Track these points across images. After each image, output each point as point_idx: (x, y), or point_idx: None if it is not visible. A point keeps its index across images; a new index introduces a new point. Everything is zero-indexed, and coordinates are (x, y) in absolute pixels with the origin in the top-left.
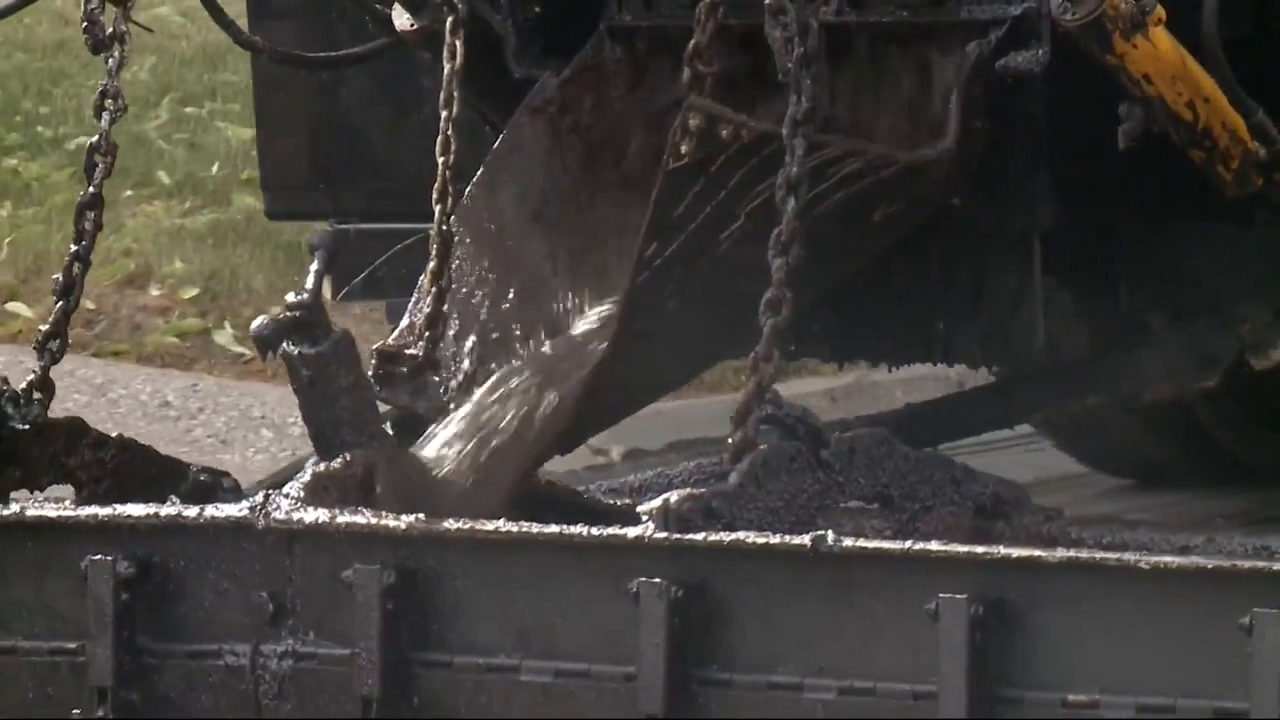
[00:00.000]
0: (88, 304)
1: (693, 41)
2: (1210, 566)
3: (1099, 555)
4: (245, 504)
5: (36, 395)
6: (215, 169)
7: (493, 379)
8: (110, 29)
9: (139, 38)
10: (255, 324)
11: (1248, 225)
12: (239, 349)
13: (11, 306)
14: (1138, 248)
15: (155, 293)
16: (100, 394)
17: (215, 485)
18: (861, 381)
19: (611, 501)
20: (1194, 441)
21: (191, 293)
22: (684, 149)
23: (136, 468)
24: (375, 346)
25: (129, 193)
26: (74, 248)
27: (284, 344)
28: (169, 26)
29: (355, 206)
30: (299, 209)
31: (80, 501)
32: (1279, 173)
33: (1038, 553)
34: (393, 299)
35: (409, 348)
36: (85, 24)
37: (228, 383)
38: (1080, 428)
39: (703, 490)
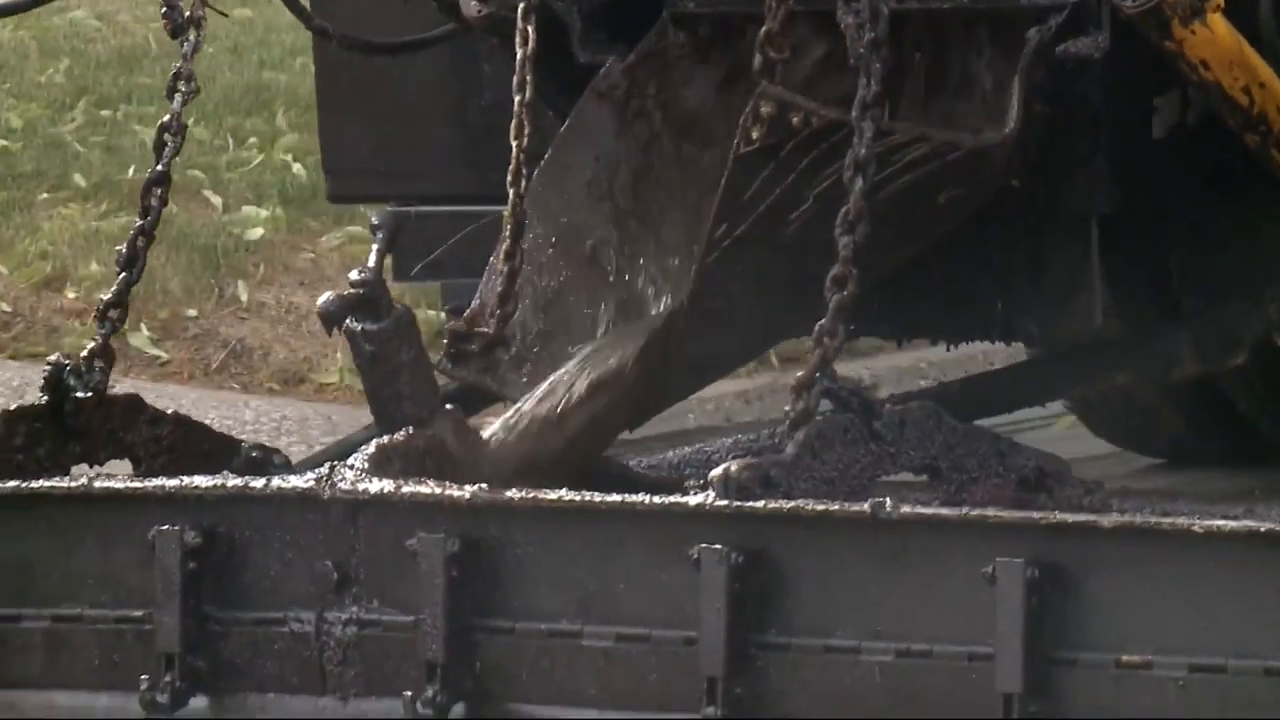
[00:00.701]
0: (4, 306)
1: (764, 28)
2: (1263, 530)
3: (1153, 519)
4: (311, 475)
5: (98, 363)
6: (131, 172)
7: (560, 357)
8: (188, 13)
9: (56, 41)
10: (320, 301)
11: None
12: (155, 351)
13: None
14: (1184, 231)
15: (71, 295)
16: (18, 396)
17: (266, 461)
18: (775, 384)
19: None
20: (1223, 419)
21: (108, 295)
22: (755, 134)
23: (192, 444)
24: (448, 325)
25: (45, 195)
26: (139, 222)
27: (347, 320)
28: (84, 30)
29: (416, 191)
30: (360, 193)
31: (139, 476)
32: None
33: (1093, 517)
34: (450, 280)
35: (480, 326)
36: (165, 9)
37: (144, 384)
38: (1110, 405)
39: (761, 460)
